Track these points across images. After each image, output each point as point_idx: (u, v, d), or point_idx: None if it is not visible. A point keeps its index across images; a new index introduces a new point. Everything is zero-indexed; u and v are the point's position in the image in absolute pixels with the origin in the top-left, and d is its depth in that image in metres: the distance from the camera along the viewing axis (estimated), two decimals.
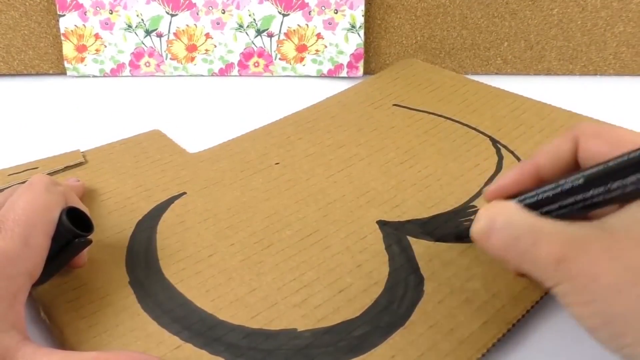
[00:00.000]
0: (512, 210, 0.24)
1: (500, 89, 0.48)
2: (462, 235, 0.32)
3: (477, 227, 0.24)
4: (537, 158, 0.26)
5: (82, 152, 0.40)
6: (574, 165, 0.25)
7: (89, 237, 0.28)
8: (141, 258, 0.32)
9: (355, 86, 0.50)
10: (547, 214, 0.23)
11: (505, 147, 0.40)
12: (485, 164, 0.39)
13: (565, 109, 0.45)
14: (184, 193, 0.37)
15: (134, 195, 0.36)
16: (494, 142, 0.41)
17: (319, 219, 0.34)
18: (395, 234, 0.33)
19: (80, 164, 0.39)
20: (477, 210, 0.34)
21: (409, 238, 0.32)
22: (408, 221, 0.34)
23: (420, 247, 0.32)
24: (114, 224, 0.34)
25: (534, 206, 0.24)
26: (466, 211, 0.35)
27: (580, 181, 0.23)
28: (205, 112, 0.49)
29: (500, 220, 0.24)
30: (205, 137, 0.42)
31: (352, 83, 0.53)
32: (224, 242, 0.33)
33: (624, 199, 0.22)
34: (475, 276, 0.30)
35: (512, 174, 0.26)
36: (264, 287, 0.30)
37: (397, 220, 0.34)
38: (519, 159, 0.39)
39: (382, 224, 0.34)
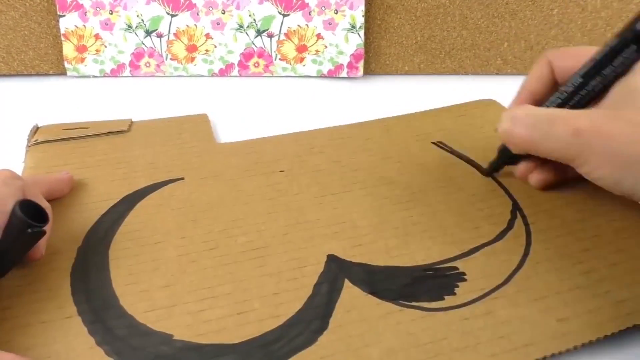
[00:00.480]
0: (530, 106, 0.31)
1: None
2: (498, 161, 0.37)
3: (502, 123, 0.31)
4: (528, 86, 0.33)
5: (131, 122, 0.44)
6: (555, 84, 0.33)
7: (43, 228, 0.28)
8: (103, 229, 0.34)
9: (413, 114, 0.46)
10: None
11: (524, 217, 0.35)
12: (486, 230, 0.34)
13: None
14: (182, 178, 0.38)
15: (140, 170, 0.38)
16: (515, 208, 0.36)
17: (277, 236, 0.33)
18: (336, 273, 0.31)
19: (121, 131, 0.43)
20: (434, 273, 0.31)
21: (347, 281, 0.30)
22: (359, 264, 0.31)
23: (348, 294, 0.29)
24: (107, 192, 0.37)
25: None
26: (424, 272, 0.31)
27: (580, 80, 0.30)
28: (205, 112, 0.49)
29: (521, 112, 0.30)
30: (243, 140, 0.42)
31: (352, 83, 0.53)
32: (178, 234, 0.33)
33: (615, 80, 0.29)
34: (374, 343, 0.27)
35: (512, 105, 0.34)
36: (177, 285, 0.30)
37: (349, 260, 0.32)
38: (529, 235, 0.33)
39: (330, 259, 0.32)
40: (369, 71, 0.55)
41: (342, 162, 0.40)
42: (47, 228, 0.29)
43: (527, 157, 0.35)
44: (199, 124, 0.45)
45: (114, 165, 0.39)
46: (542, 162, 0.35)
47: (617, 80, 0.28)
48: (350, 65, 0.53)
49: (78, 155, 0.40)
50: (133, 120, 0.44)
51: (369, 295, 0.29)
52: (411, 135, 0.43)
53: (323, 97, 0.52)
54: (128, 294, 0.29)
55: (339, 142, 0.42)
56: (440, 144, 0.42)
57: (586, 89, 0.30)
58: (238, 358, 0.26)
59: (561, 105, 0.31)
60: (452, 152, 0.41)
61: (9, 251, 0.28)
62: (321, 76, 0.54)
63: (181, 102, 0.50)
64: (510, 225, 0.34)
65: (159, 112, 0.48)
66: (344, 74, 0.54)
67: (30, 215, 0.27)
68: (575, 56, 0.31)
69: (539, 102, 0.33)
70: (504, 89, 0.48)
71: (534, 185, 0.36)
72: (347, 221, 0.35)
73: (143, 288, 0.30)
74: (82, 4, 0.51)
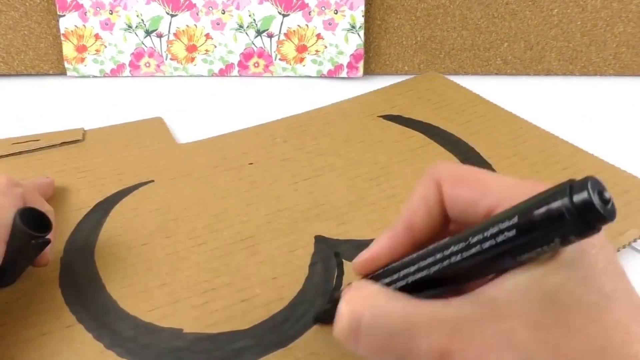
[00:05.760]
0: (379, 299, 0.19)
1: (512, 114, 0.45)
2: (319, 318, 0.28)
3: (340, 327, 0.20)
4: (406, 216, 0.22)
5: (84, 130, 0.43)
6: (444, 214, 0.21)
7: (46, 237, 0.28)
8: (83, 237, 0.33)
9: (364, 95, 0.49)
10: (419, 290, 0.19)
11: None
12: None
13: (571, 144, 0.41)
14: (152, 181, 0.38)
15: (107, 177, 0.38)
16: None
17: (262, 225, 0.34)
18: (327, 251, 0.32)
19: (77, 141, 0.42)
20: None
21: (342, 258, 0.31)
22: (347, 240, 0.32)
23: (349, 268, 0.30)
24: (77, 201, 0.36)
25: (405, 284, 0.20)
26: None
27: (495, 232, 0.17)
28: (205, 112, 0.49)
29: (368, 316, 0.19)
30: (204, 138, 0.42)
31: (351, 83, 0.53)
32: (162, 234, 0.33)
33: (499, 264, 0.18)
34: None
35: (383, 241, 0.22)
36: (174, 282, 0.30)
37: (336, 238, 0.33)
38: None
39: (319, 239, 0.33)
40: (369, 71, 0.55)
41: (307, 149, 0.41)
42: (51, 235, 0.28)
43: None
44: (156, 128, 0.45)
45: (75, 175, 0.38)
46: None
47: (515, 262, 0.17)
48: (350, 66, 0.53)
49: (35, 168, 0.39)
50: (86, 129, 0.44)
51: None
52: (367, 114, 0.46)
53: (323, 97, 0.52)
54: (126, 296, 0.29)
55: (299, 130, 0.43)
56: (395, 120, 0.45)
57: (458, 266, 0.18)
58: (252, 342, 0.27)
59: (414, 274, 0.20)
60: (408, 125, 0.44)
61: (16, 262, 0.27)
62: (321, 76, 0.54)
63: (181, 102, 0.50)
64: None
65: (159, 112, 0.48)
66: (344, 74, 0.54)
67: (33, 222, 0.27)
68: (478, 189, 0.20)
69: (422, 241, 0.21)
70: (503, 89, 0.48)
71: None
72: (325, 203, 0.36)
73: (140, 289, 0.30)
74: (82, 4, 0.51)
